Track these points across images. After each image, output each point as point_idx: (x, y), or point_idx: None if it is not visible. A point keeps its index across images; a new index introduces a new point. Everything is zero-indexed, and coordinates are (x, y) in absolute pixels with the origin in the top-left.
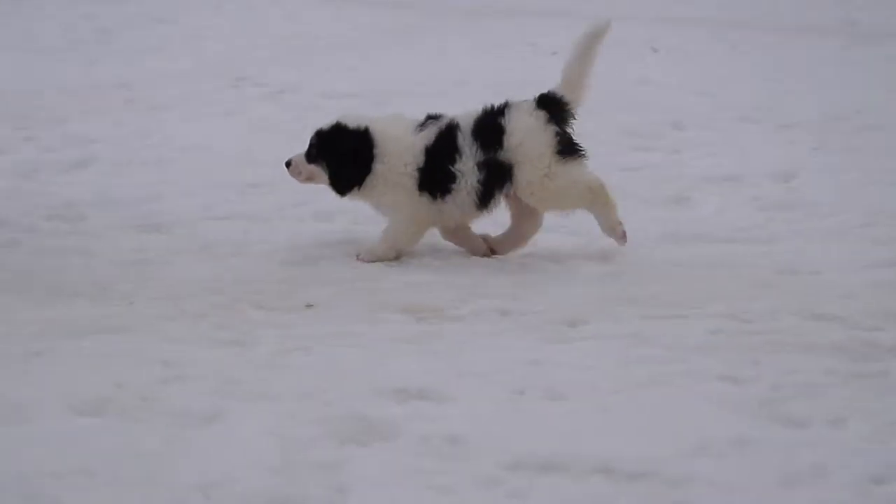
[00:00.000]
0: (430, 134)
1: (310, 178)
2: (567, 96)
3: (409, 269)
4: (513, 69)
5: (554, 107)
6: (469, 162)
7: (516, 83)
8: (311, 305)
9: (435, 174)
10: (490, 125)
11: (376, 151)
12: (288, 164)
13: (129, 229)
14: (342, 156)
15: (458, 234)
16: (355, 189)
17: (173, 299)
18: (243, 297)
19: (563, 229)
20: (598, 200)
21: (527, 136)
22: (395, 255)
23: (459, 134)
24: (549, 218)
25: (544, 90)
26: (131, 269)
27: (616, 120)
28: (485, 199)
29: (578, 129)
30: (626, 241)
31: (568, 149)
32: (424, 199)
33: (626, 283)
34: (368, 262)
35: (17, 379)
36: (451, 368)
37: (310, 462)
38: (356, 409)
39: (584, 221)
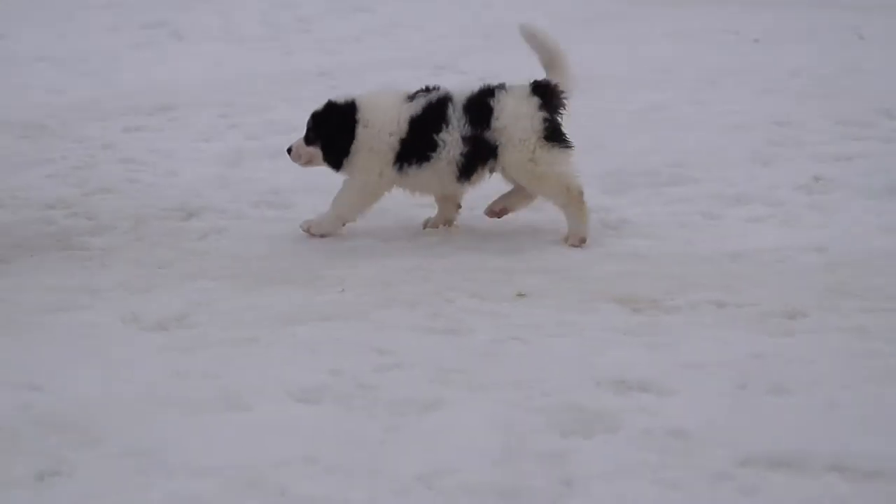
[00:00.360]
0: (418, 105)
1: (309, 161)
2: (560, 84)
3: (619, 258)
4: (716, 56)
5: (547, 94)
6: (455, 134)
7: (719, 71)
8: (523, 295)
9: (417, 142)
10: (480, 104)
11: (359, 117)
12: (289, 151)
13: None
14: (332, 130)
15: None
16: (344, 161)
17: (384, 287)
18: (454, 286)
19: (772, 219)
20: (572, 203)
21: (513, 121)
22: (343, 225)
23: (450, 106)
24: (759, 209)
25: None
26: (340, 257)
27: (825, 108)
28: (465, 172)
29: (736, 122)
30: (576, 246)
31: (553, 136)
32: (392, 172)
33: (844, 274)
34: (317, 235)
35: (236, 366)
36: (670, 361)
37: (533, 453)
38: (576, 400)
39: (795, 211)
